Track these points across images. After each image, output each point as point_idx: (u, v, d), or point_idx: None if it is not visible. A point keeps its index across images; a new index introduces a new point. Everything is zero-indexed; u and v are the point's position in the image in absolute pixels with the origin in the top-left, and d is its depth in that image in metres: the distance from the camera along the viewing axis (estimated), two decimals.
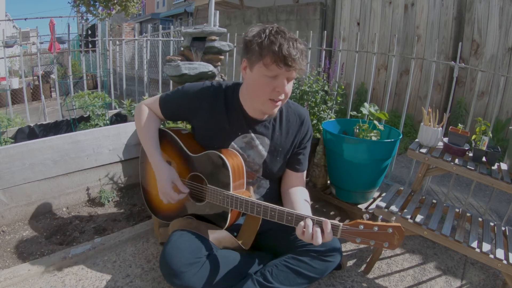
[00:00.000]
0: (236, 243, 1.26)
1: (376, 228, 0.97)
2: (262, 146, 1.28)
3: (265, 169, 1.31)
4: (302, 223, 1.03)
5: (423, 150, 1.56)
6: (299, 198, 1.28)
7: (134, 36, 4.83)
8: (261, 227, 1.27)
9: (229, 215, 1.20)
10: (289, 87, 1.14)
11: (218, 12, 2.53)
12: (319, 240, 0.99)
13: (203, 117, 1.28)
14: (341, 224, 1.01)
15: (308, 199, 1.31)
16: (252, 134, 1.27)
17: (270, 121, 1.29)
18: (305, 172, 1.40)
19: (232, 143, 1.27)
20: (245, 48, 1.15)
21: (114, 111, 2.68)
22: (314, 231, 1.00)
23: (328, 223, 1.00)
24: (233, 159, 1.20)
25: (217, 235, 1.25)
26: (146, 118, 1.34)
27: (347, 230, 1.00)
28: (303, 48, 1.11)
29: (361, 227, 0.98)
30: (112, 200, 2.00)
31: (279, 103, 1.16)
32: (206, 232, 1.23)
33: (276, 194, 1.39)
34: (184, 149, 1.30)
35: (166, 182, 1.24)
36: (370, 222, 0.98)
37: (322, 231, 1.00)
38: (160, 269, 1.16)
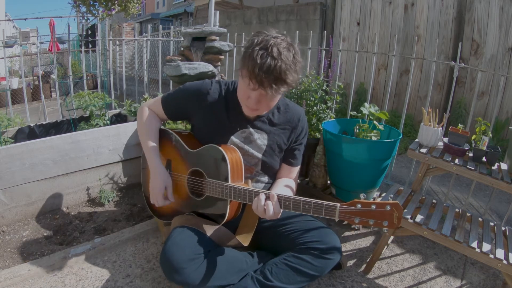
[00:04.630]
0: (236, 241, 1.27)
1: (374, 206, 0.97)
2: (260, 141, 1.31)
3: (264, 164, 1.34)
4: (256, 198, 1.11)
5: (423, 150, 1.56)
6: (277, 183, 1.36)
7: (134, 36, 4.83)
8: (260, 225, 1.28)
9: (228, 209, 1.21)
10: (268, 102, 1.17)
11: (218, 12, 2.53)
12: (270, 213, 1.06)
13: (203, 114, 1.31)
14: (338, 204, 1.01)
15: (292, 187, 1.35)
16: (251, 129, 1.30)
17: (268, 116, 1.32)
18: (298, 168, 1.44)
19: (232, 137, 1.30)
20: None
21: (114, 111, 2.68)
22: (266, 204, 1.07)
23: (274, 196, 1.08)
24: (231, 153, 1.22)
25: (217, 232, 1.26)
26: (146, 119, 1.38)
27: (345, 210, 1.00)
28: (285, 68, 1.05)
29: (359, 206, 0.98)
30: (112, 200, 2.00)
31: (256, 112, 1.22)
32: (207, 229, 1.25)
33: None
34: (183, 145, 1.33)
35: (159, 187, 1.28)
36: (368, 201, 0.98)
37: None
38: (161, 265, 1.16)
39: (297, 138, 1.38)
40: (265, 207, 1.08)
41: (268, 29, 1.14)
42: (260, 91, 1.10)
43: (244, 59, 1.09)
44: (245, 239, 1.28)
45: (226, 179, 1.19)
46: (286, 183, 1.36)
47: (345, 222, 1.87)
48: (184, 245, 1.15)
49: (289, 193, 1.33)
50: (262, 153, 1.32)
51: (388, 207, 0.95)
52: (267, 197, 1.10)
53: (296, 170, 1.42)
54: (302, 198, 1.06)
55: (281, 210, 1.10)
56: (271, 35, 1.10)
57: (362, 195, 1.02)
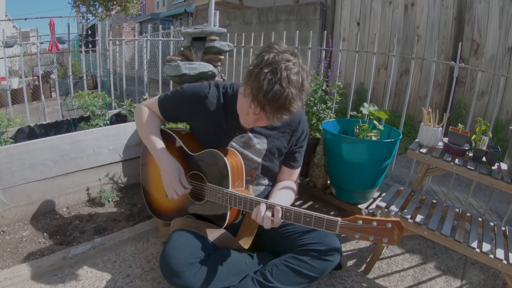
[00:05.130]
0: (237, 243, 1.26)
1: (375, 223, 0.96)
2: (260, 145, 1.30)
3: (264, 167, 1.33)
4: (256, 207, 1.10)
5: (423, 150, 1.56)
6: (278, 186, 1.34)
7: (134, 36, 4.83)
8: (261, 227, 1.27)
9: (228, 213, 1.21)
10: (268, 122, 1.12)
11: (218, 12, 2.53)
12: (267, 224, 1.06)
13: (202, 118, 1.29)
14: (339, 219, 1.01)
15: (292, 188, 1.35)
16: (250, 134, 1.29)
17: None
18: (299, 169, 1.43)
19: (231, 142, 1.28)
20: None
21: (114, 111, 2.68)
22: (265, 215, 1.07)
23: (279, 210, 1.07)
24: (232, 157, 1.21)
25: (216, 235, 1.25)
26: (147, 117, 1.35)
27: (346, 226, 1.00)
28: (291, 97, 0.99)
29: (360, 222, 0.98)
30: (112, 200, 2.00)
31: (253, 126, 1.19)
32: (206, 232, 1.24)
33: None
34: (184, 148, 1.31)
35: (174, 176, 1.22)
36: (369, 217, 0.98)
37: (273, 215, 1.08)
38: (160, 269, 1.16)
39: (298, 141, 1.36)
40: (264, 217, 1.07)
41: (280, 44, 1.05)
42: (261, 115, 1.05)
43: (250, 78, 1.01)
44: (245, 242, 1.27)
45: (227, 185, 1.18)
46: (287, 185, 1.34)
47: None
48: (183, 249, 1.14)
49: (290, 196, 1.32)
50: (262, 158, 1.31)
51: (389, 225, 0.95)
52: (268, 208, 1.08)
53: (297, 172, 1.41)
54: (303, 211, 1.05)
55: (282, 221, 1.09)
56: (282, 56, 1.00)
57: (364, 211, 1.02)
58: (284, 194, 1.30)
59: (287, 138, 1.33)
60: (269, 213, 1.07)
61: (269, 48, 1.03)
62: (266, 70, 0.98)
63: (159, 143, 1.30)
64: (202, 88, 1.28)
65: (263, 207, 1.08)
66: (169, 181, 1.23)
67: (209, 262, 1.15)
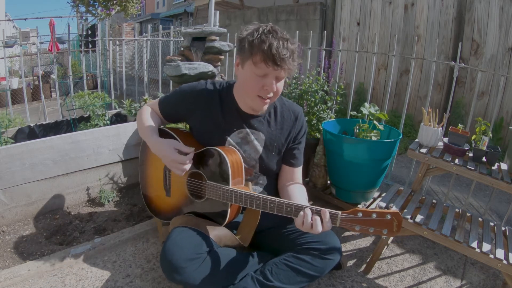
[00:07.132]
0: (236, 241, 1.27)
1: (374, 215, 0.98)
2: (257, 141, 1.30)
3: (262, 165, 1.33)
4: (301, 212, 1.04)
5: (423, 150, 1.56)
6: (297, 193, 1.30)
7: (134, 36, 4.83)
8: (261, 225, 1.28)
9: (229, 211, 1.21)
10: (279, 85, 1.17)
11: (218, 12, 2.52)
12: (318, 228, 1.01)
13: (199, 115, 1.31)
14: (340, 212, 1.02)
15: (306, 195, 1.32)
16: (247, 129, 1.29)
17: (264, 116, 1.31)
18: (301, 168, 1.42)
19: (228, 138, 1.29)
20: (238, 45, 1.18)
21: (114, 111, 2.68)
22: (313, 219, 1.02)
23: (326, 212, 1.02)
24: (232, 155, 1.22)
25: (217, 232, 1.26)
26: (148, 114, 1.38)
27: (346, 218, 1.01)
28: (294, 48, 1.13)
29: (360, 214, 0.99)
30: (112, 200, 2.00)
31: (268, 100, 1.19)
32: (206, 229, 1.24)
33: (274, 190, 1.41)
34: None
35: (169, 151, 1.19)
36: (368, 209, 0.99)
37: (322, 221, 1.02)
38: (161, 265, 1.16)
39: (296, 138, 1.37)
40: (312, 223, 1.02)
41: (247, 26, 1.17)
42: (277, 71, 1.11)
43: (252, 47, 1.10)
44: (245, 240, 1.28)
45: (227, 182, 1.18)
46: (302, 193, 1.31)
47: None
48: (184, 245, 1.15)
49: (306, 203, 1.28)
50: (260, 154, 1.31)
51: (389, 216, 0.96)
52: (315, 213, 1.04)
53: (298, 171, 1.40)
54: (304, 205, 1.06)
55: (331, 225, 1.04)
56: (259, 24, 1.16)
57: (363, 204, 1.03)
58: (302, 195, 1.28)
59: (285, 134, 1.34)
60: (317, 217, 1.02)
61: (248, 27, 1.17)
62: (263, 34, 1.11)
63: (154, 131, 1.29)
64: (198, 85, 1.32)
65: (308, 211, 1.03)
66: (167, 157, 1.20)
67: (209, 259, 1.16)
